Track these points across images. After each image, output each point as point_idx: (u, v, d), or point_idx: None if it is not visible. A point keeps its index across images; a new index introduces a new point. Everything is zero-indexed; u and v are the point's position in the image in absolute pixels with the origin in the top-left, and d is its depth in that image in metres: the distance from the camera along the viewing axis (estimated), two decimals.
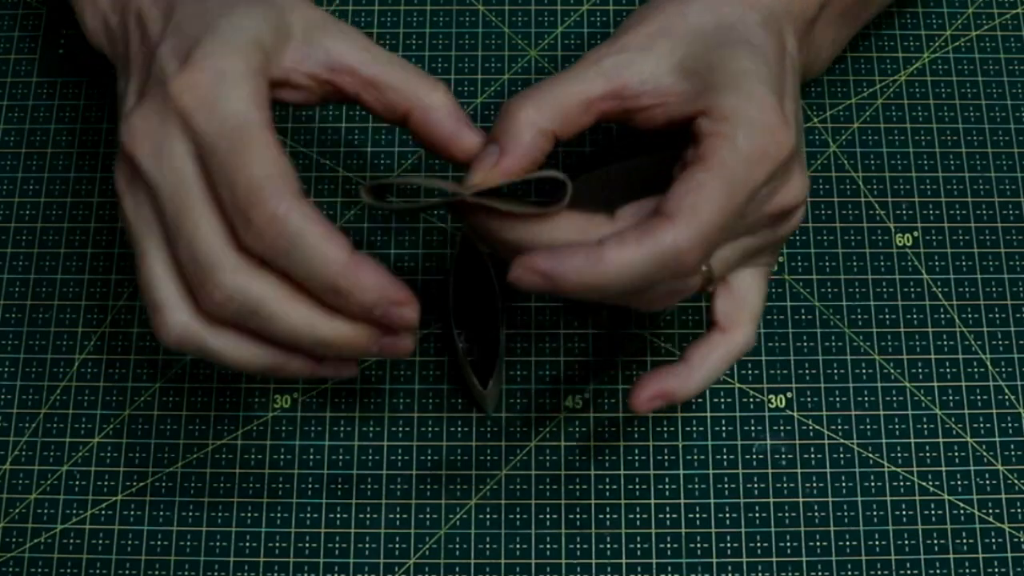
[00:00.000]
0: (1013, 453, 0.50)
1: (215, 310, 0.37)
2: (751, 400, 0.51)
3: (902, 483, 0.50)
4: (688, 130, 0.39)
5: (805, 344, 0.52)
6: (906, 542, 0.49)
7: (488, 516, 0.49)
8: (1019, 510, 0.49)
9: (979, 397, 0.51)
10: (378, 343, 0.39)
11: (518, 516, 0.49)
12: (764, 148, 0.37)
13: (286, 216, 0.36)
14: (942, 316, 0.52)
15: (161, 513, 0.49)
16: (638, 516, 0.49)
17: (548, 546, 0.49)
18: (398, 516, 0.49)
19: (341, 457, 0.50)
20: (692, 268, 0.37)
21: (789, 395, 0.51)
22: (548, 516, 0.49)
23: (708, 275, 0.40)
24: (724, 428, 0.50)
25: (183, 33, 0.39)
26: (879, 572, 0.48)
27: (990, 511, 0.49)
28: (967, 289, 0.53)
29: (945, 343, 0.52)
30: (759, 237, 0.41)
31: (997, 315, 0.52)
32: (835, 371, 0.51)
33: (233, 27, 0.38)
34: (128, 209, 0.39)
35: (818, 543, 0.49)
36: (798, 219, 0.41)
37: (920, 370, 0.51)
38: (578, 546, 0.49)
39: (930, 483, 0.50)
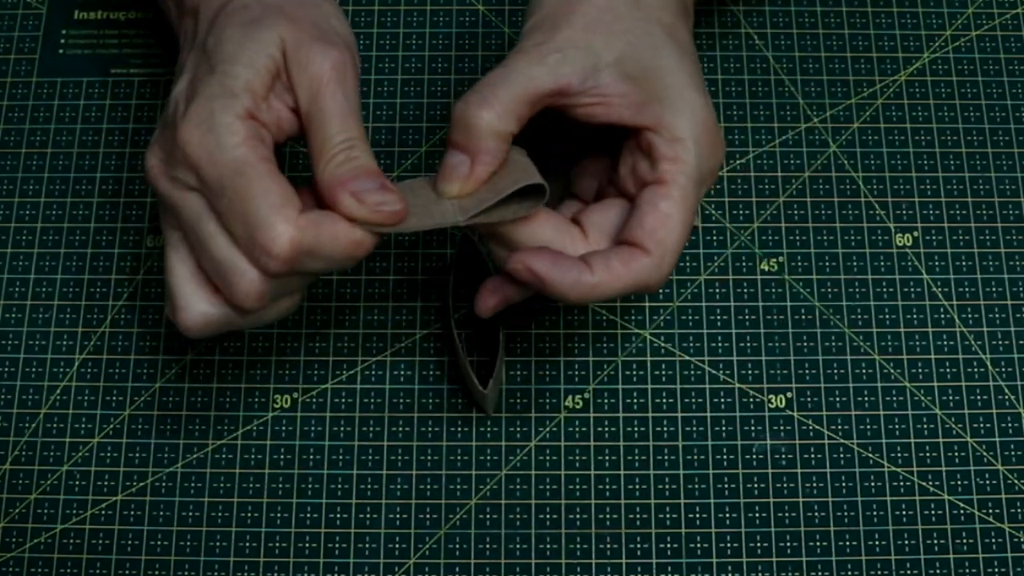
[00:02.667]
0: (1013, 453, 0.50)
1: (243, 304, 0.40)
2: (751, 400, 0.51)
3: (902, 483, 0.50)
4: (626, 130, 0.42)
5: (805, 344, 0.52)
6: (906, 542, 0.49)
7: (488, 516, 0.49)
8: (1019, 510, 0.49)
9: (979, 397, 0.51)
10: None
11: (518, 516, 0.49)
12: (712, 165, 0.42)
13: (296, 240, 0.38)
14: (942, 316, 0.52)
15: (161, 513, 0.49)
16: (638, 516, 0.49)
17: (548, 546, 0.49)
18: (398, 516, 0.49)
19: (341, 457, 0.50)
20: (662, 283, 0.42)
21: (789, 395, 0.51)
22: (548, 516, 0.49)
23: None
24: (724, 428, 0.50)
25: (196, 68, 0.41)
26: (879, 572, 0.48)
27: (990, 511, 0.49)
28: (967, 289, 0.53)
29: (945, 343, 0.52)
30: None
31: (997, 315, 0.52)
32: (835, 371, 0.51)
33: (231, 75, 0.40)
34: (160, 208, 0.42)
35: (818, 543, 0.49)
36: None
37: (920, 370, 0.51)
38: (578, 546, 0.49)
39: (930, 483, 0.50)
